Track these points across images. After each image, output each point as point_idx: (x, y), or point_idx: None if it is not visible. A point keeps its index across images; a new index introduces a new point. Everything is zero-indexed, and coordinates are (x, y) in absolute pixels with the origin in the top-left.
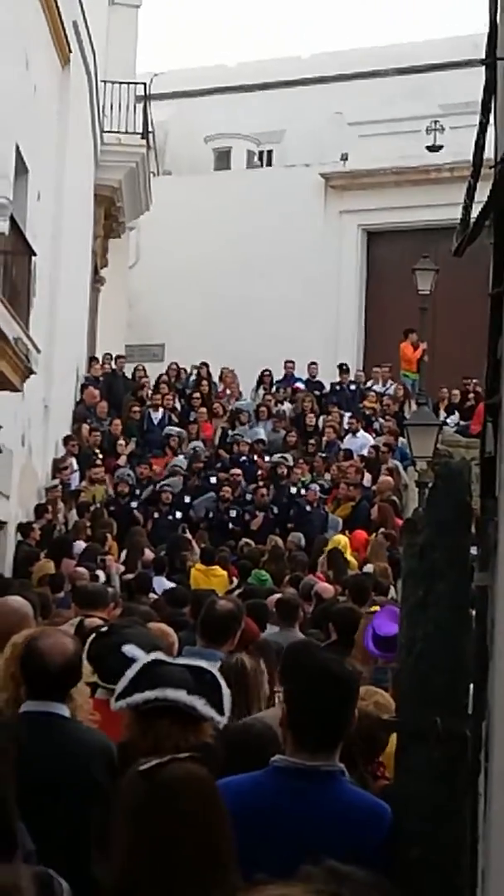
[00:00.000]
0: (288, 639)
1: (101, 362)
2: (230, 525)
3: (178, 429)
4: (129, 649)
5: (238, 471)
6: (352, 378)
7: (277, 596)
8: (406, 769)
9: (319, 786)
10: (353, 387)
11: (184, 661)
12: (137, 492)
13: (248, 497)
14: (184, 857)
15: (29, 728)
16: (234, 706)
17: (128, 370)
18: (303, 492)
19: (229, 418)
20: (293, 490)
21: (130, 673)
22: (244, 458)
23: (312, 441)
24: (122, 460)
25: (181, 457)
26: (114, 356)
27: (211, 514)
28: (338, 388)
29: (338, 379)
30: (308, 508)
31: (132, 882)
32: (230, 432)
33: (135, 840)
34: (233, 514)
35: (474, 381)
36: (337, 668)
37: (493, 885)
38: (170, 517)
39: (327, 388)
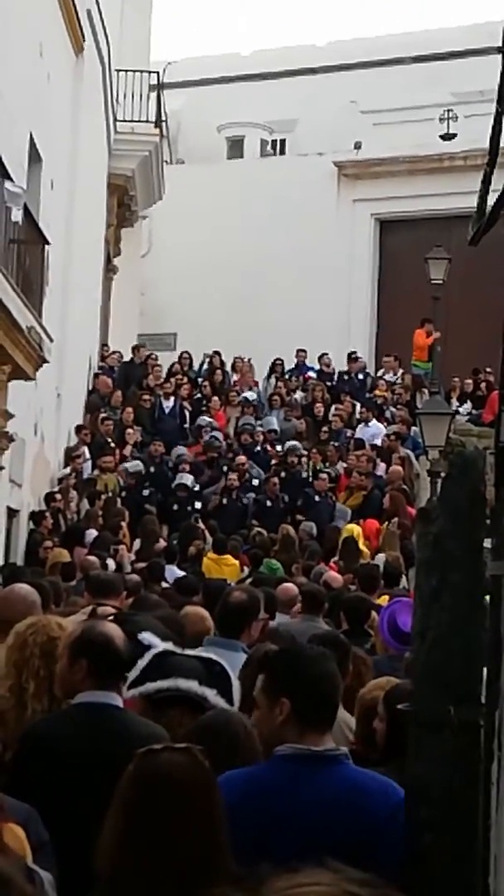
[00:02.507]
0: (311, 629)
1: (112, 351)
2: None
3: (208, 418)
4: (146, 637)
5: (243, 458)
6: (362, 367)
7: (289, 585)
8: (419, 757)
9: (326, 770)
10: (360, 375)
11: (194, 653)
12: (152, 468)
13: (255, 483)
14: (169, 844)
15: (89, 718)
16: None
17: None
18: (311, 480)
19: (241, 408)
20: (304, 476)
21: (142, 662)
22: (258, 447)
23: (325, 429)
24: (128, 450)
25: (182, 447)
26: (131, 347)
27: (225, 501)
28: (346, 377)
29: (346, 367)
30: (317, 498)
31: (120, 869)
32: (240, 422)
33: (122, 826)
34: (244, 501)
35: (487, 369)
36: (329, 659)
37: None
38: (188, 507)
39: (337, 377)
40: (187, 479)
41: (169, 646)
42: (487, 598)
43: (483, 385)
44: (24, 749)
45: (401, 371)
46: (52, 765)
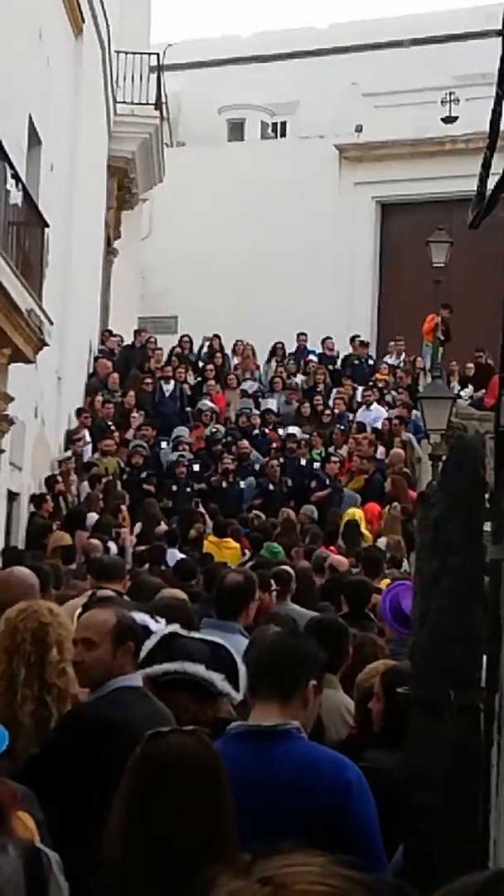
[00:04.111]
0: (287, 612)
1: (112, 334)
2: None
3: (210, 403)
4: (139, 617)
5: (246, 443)
6: (365, 350)
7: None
8: (418, 742)
9: (277, 745)
10: (370, 361)
11: (200, 636)
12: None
13: (256, 467)
14: (176, 826)
15: (130, 699)
16: None
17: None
18: (315, 465)
19: (241, 393)
20: (304, 462)
21: (149, 643)
22: (256, 431)
23: (328, 412)
24: (130, 433)
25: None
26: (133, 331)
27: (224, 485)
28: (356, 360)
29: (350, 351)
30: (327, 482)
31: (127, 850)
32: (240, 406)
33: (130, 809)
34: (242, 484)
35: (486, 353)
36: (285, 634)
37: None
38: (187, 489)
39: (340, 361)
40: (184, 456)
41: (176, 628)
42: (487, 581)
43: (482, 361)
44: (89, 736)
45: (403, 355)
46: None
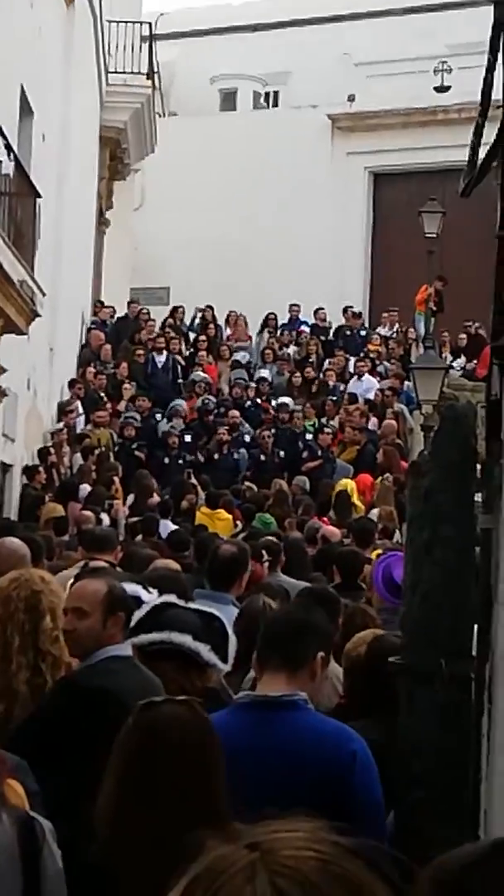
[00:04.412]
0: (278, 582)
1: (105, 306)
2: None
3: (203, 374)
4: (128, 587)
5: (236, 412)
6: (358, 321)
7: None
8: (410, 711)
9: (283, 715)
10: (362, 332)
11: (195, 606)
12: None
13: (247, 439)
14: (168, 795)
15: (121, 668)
16: None
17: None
18: (307, 436)
19: (233, 364)
20: (293, 433)
21: (140, 613)
22: (248, 402)
23: (316, 382)
24: (123, 405)
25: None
26: (126, 302)
27: (216, 456)
28: (347, 332)
29: (343, 322)
30: (319, 453)
31: (120, 818)
32: (232, 377)
33: (123, 777)
34: (235, 456)
35: (476, 324)
36: (296, 606)
37: (496, 825)
38: (179, 461)
39: (333, 332)
40: (175, 426)
41: (171, 598)
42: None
43: (473, 332)
44: (80, 704)
45: (396, 325)
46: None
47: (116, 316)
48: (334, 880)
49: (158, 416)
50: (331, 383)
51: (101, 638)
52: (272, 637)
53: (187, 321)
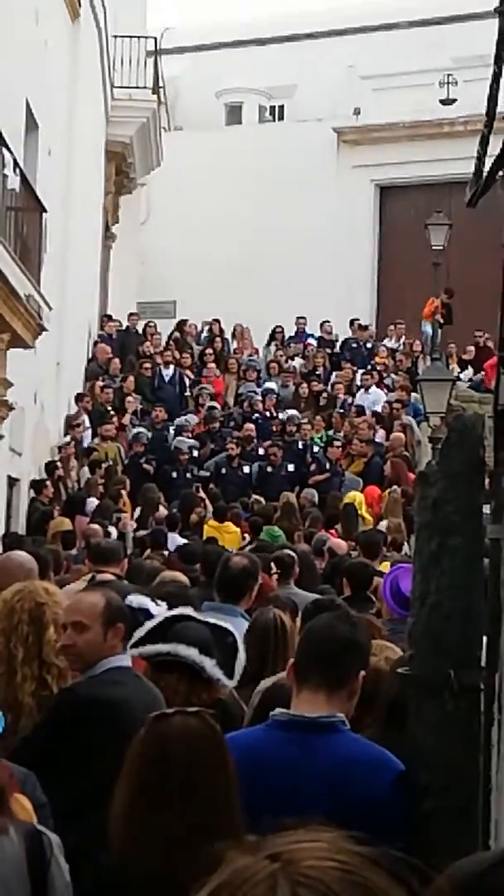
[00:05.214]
0: (287, 595)
1: (111, 320)
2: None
3: (210, 387)
4: (135, 599)
5: (251, 426)
6: (370, 335)
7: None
8: (419, 721)
9: (319, 737)
10: (368, 345)
11: (212, 620)
12: (151, 434)
13: (262, 452)
14: (181, 805)
15: (122, 679)
16: (273, 660)
17: (140, 327)
18: (314, 449)
19: (240, 375)
20: (302, 446)
21: (150, 623)
22: (257, 414)
23: (325, 395)
24: (127, 418)
25: (191, 416)
26: (127, 314)
27: (224, 471)
28: (354, 344)
29: (350, 334)
30: (327, 466)
31: (132, 829)
32: (240, 389)
33: (134, 788)
34: (245, 469)
35: (486, 335)
36: (340, 621)
37: None
38: (188, 475)
39: (339, 345)
40: (185, 442)
41: (187, 610)
42: (487, 561)
43: (481, 343)
44: (85, 715)
45: (403, 338)
46: (115, 730)
47: (116, 329)
48: (356, 890)
49: (171, 429)
50: (340, 396)
51: (103, 650)
52: (315, 653)
53: (198, 335)
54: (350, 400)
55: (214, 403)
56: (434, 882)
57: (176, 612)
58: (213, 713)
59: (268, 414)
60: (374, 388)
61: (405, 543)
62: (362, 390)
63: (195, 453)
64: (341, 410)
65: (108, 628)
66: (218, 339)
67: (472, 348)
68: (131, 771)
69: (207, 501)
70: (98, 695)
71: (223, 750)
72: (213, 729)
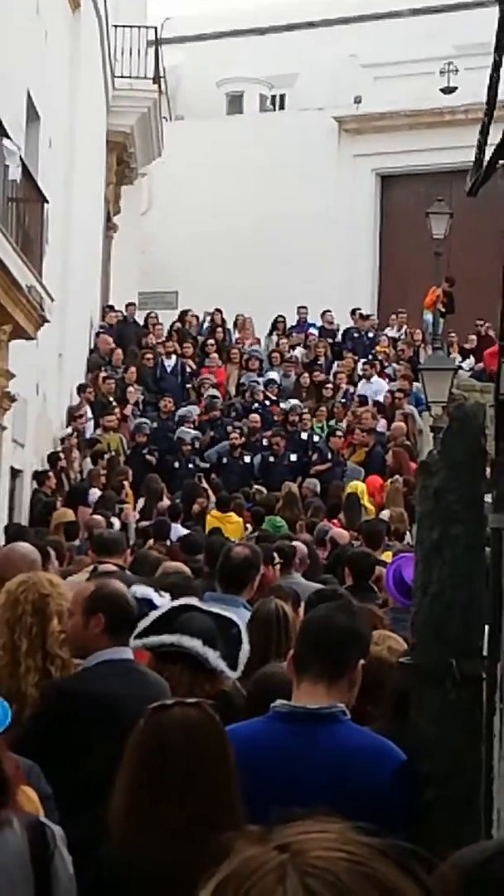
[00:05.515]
0: (289, 585)
1: (113, 310)
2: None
3: (213, 377)
4: (140, 590)
5: (256, 417)
6: (373, 324)
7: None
8: (421, 711)
9: (320, 728)
10: (370, 334)
11: (217, 610)
12: (156, 424)
13: (264, 442)
14: (181, 796)
15: (112, 673)
16: (276, 650)
17: (140, 318)
18: (315, 438)
19: (242, 365)
20: (304, 436)
21: (155, 613)
22: (257, 404)
23: (328, 385)
24: (129, 409)
25: (192, 407)
26: (125, 305)
27: (226, 461)
28: (356, 334)
29: (352, 324)
30: (329, 455)
31: (132, 820)
32: (242, 379)
33: (135, 779)
34: (247, 459)
35: (487, 324)
36: (338, 610)
37: None
38: (190, 465)
39: (341, 334)
40: (188, 433)
41: (192, 600)
42: (488, 550)
43: (482, 332)
44: (61, 708)
45: (404, 327)
46: (88, 723)
47: (116, 319)
48: (365, 881)
49: (176, 418)
50: (343, 386)
51: (86, 638)
52: (314, 643)
53: (196, 324)
54: (352, 389)
55: (215, 392)
56: (437, 871)
57: (181, 601)
58: (213, 704)
59: (267, 403)
60: (375, 377)
61: (407, 533)
62: (364, 380)
63: (197, 444)
64: (343, 400)
65: (88, 617)
66: (220, 329)
67: (474, 337)
68: (131, 762)
69: (210, 492)
70: (73, 689)
71: (223, 741)
72: (213, 720)
